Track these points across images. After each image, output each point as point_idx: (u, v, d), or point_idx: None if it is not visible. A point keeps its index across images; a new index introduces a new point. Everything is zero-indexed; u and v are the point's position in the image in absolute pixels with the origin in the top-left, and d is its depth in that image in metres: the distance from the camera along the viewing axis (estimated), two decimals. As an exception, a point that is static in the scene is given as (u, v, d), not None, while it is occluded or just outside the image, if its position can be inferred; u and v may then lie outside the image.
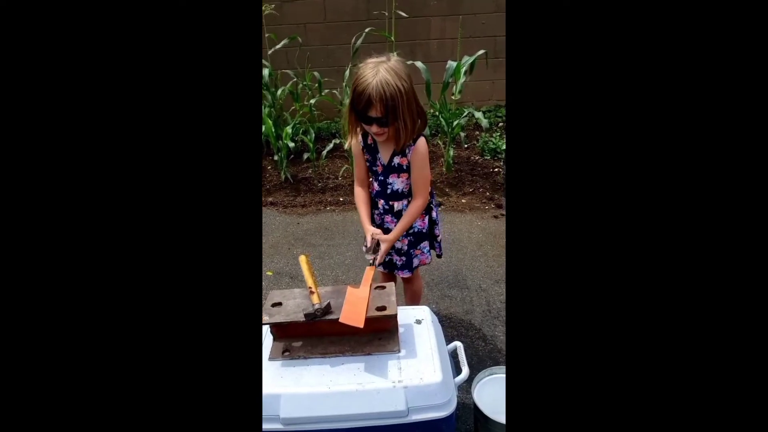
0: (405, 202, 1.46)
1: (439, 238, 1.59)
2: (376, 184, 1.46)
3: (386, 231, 1.47)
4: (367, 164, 1.46)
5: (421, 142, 1.37)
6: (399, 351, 1.12)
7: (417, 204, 1.42)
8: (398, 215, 1.47)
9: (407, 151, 1.37)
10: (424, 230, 1.53)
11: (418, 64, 2.87)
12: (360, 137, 1.41)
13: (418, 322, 1.23)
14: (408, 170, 1.40)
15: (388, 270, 1.60)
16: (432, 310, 1.29)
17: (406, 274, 1.56)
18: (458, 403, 1.45)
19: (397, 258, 1.55)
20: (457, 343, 1.27)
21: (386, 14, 2.94)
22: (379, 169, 1.43)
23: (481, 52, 2.84)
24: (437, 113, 3.15)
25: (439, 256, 1.62)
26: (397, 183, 1.43)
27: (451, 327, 1.84)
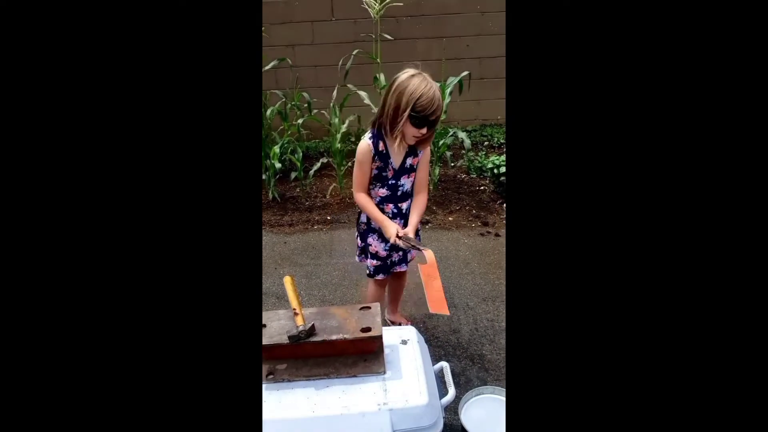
0: (409, 201, 1.59)
1: (419, 232, 1.72)
2: (383, 190, 1.55)
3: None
4: (376, 171, 1.52)
5: None
6: (384, 372, 1.11)
7: (424, 198, 1.59)
8: (405, 216, 1.58)
9: (418, 150, 1.51)
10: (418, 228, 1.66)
11: (404, 85, 2.91)
12: (371, 145, 1.47)
13: (404, 342, 1.23)
14: (415, 170, 1.55)
15: (386, 275, 1.68)
16: (418, 330, 1.29)
17: (403, 268, 1.69)
18: (445, 425, 1.44)
19: (395, 255, 1.65)
20: (444, 364, 1.26)
21: (372, 36, 3.00)
22: (390, 173, 1.52)
23: (465, 73, 2.91)
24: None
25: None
26: (407, 183, 1.56)
27: (438, 346, 1.83)
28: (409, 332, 1.27)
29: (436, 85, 1.38)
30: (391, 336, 1.24)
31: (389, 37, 3.07)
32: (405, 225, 1.57)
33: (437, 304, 1.26)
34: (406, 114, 1.36)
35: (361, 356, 1.12)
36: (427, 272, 1.35)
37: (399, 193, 1.56)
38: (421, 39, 3.81)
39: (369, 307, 1.18)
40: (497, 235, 2.66)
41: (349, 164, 3.37)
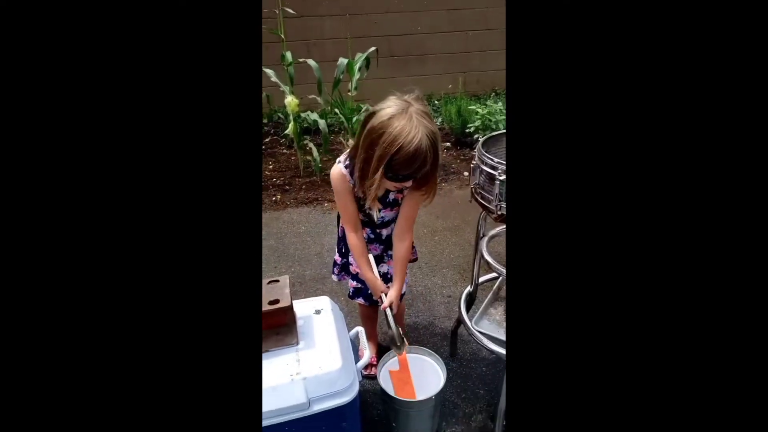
0: (392, 227, 1.32)
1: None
2: (360, 214, 1.28)
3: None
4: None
5: None
6: (297, 343, 1.10)
7: (406, 247, 1.28)
8: (384, 242, 1.36)
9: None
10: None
11: (310, 62, 2.85)
12: (348, 175, 1.18)
13: (317, 312, 1.22)
14: (399, 204, 1.25)
15: (370, 303, 1.46)
16: (332, 302, 1.29)
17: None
18: (368, 390, 1.46)
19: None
20: (359, 328, 1.27)
21: (276, 12, 2.88)
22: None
23: (372, 49, 2.91)
24: (336, 110, 3.16)
25: (414, 259, 1.51)
26: (389, 215, 1.30)
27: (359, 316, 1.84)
28: (323, 302, 1.26)
29: (425, 129, 1.01)
30: (304, 307, 1.22)
31: (291, 11, 2.97)
32: (384, 249, 1.37)
33: (403, 394, 1.24)
34: (379, 172, 1.03)
35: (273, 330, 1.10)
36: (399, 377, 1.27)
37: (378, 221, 1.30)
38: (327, 16, 3.73)
39: (277, 280, 1.15)
40: (414, 207, 2.73)
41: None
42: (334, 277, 1.48)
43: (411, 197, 1.21)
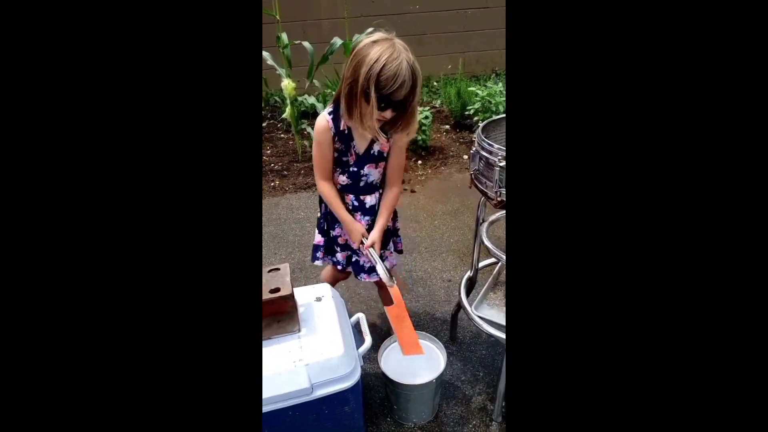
0: (377, 195, 1.32)
1: (399, 231, 1.48)
2: (344, 177, 1.28)
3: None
4: (336, 154, 1.26)
5: None
6: (299, 330, 1.11)
7: (394, 194, 1.31)
8: (369, 212, 1.33)
9: (388, 135, 1.23)
10: (390, 227, 1.41)
11: (305, 44, 2.80)
12: (331, 122, 1.20)
13: (318, 299, 1.23)
14: (386, 158, 1.28)
15: (351, 269, 1.43)
16: (333, 289, 1.29)
17: (374, 278, 1.39)
18: (370, 375, 1.49)
19: (365, 260, 1.38)
20: (360, 315, 1.28)
21: (271, -9, 2.81)
22: (352, 158, 1.25)
23: (370, 29, 2.84)
24: (333, 93, 3.12)
25: (400, 251, 1.50)
26: (373, 174, 1.28)
27: (360, 302, 1.86)
28: (324, 289, 1.27)
29: (407, 56, 1.07)
30: (305, 295, 1.23)
31: (288, -9, 2.90)
32: (371, 221, 1.33)
33: (411, 347, 1.22)
34: (372, 98, 1.07)
35: (275, 318, 1.11)
36: (395, 313, 1.25)
37: (362, 183, 1.28)
38: (324, -5, 3.65)
39: (278, 269, 1.15)
40: (413, 191, 2.72)
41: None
42: (318, 262, 1.44)
43: (396, 146, 1.26)
